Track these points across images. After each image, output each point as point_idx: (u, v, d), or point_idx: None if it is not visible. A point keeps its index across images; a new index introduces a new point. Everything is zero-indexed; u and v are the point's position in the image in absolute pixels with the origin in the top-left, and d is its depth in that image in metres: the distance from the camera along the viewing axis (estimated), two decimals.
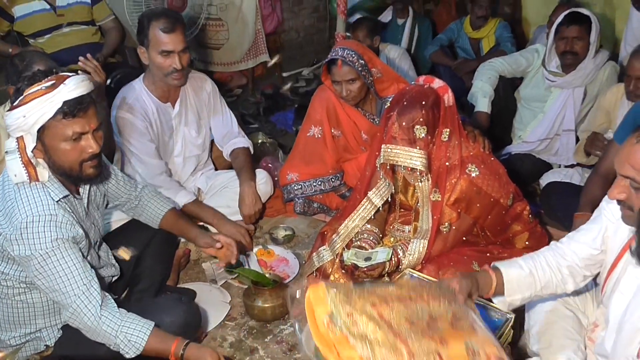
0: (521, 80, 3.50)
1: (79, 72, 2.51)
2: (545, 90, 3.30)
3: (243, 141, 3.05)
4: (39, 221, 1.73)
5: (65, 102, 1.69)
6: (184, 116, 2.87)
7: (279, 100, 4.84)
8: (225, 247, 2.33)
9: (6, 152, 1.77)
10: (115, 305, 1.83)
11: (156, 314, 1.92)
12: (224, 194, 2.93)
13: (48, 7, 3.62)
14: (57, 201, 1.81)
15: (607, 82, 3.14)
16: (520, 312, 2.02)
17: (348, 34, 3.83)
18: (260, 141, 3.78)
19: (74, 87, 1.71)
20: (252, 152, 3.06)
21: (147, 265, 2.30)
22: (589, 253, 1.72)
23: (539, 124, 3.33)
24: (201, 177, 3.07)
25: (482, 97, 3.35)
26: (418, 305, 1.59)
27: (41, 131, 1.72)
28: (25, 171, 1.75)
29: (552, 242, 1.85)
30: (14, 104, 1.71)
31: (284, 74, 5.41)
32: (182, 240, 2.74)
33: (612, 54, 3.36)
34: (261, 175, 3.00)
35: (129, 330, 1.78)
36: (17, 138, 1.74)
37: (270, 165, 3.29)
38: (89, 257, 1.93)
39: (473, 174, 2.20)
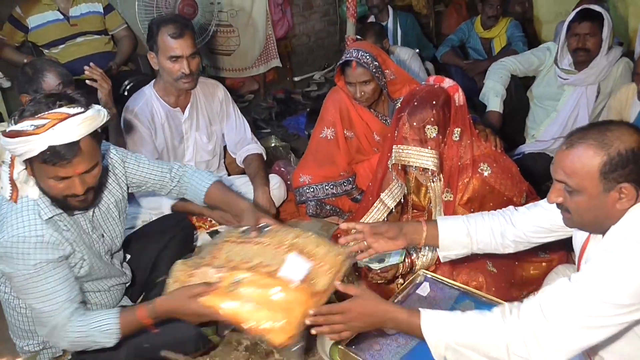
0: (534, 79, 3.49)
1: (87, 81, 2.57)
2: (558, 89, 3.28)
3: (256, 147, 3.07)
4: (24, 242, 1.70)
5: (50, 147, 1.60)
6: (194, 122, 2.89)
7: (290, 104, 4.87)
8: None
9: (3, 161, 1.77)
10: (82, 311, 1.81)
11: (172, 319, 1.92)
12: None
13: (62, 17, 3.67)
14: (47, 219, 1.77)
15: (621, 78, 3.11)
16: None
17: (359, 37, 3.83)
18: (273, 145, 3.79)
19: (65, 132, 1.61)
20: (265, 159, 3.08)
21: (164, 269, 2.29)
22: (542, 223, 1.81)
23: (552, 122, 3.31)
24: None
25: (494, 97, 3.33)
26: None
27: (28, 161, 1.68)
28: (10, 189, 1.74)
29: (510, 207, 1.93)
30: (5, 132, 1.64)
31: (296, 79, 5.43)
32: (198, 244, 2.75)
33: (626, 50, 3.33)
34: (274, 180, 3.02)
35: (100, 323, 1.76)
36: (12, 155, 1.71)
37: (282, 169, 3.30)
38: (87, 270, 1.91)
39: (485, 173, 2.19)
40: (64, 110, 1.64)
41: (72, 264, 1.85)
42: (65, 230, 1.83)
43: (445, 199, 2.23)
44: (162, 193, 2.28)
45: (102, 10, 3.80)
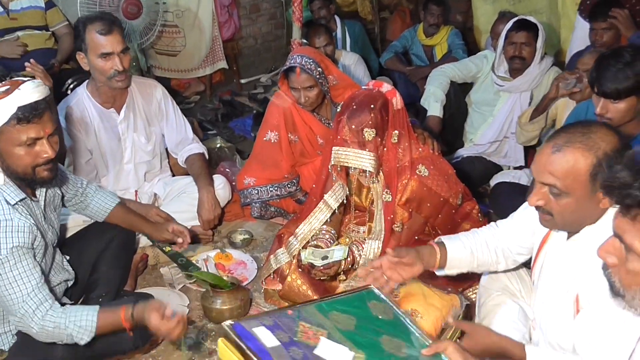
0: (472, 86, 3.63)
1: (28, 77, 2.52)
2: (494, 95, 3.44)
3: (198, 147, 3.05)
4: None
5: (19, 108, 1.68)
6: (131, 122, 2.85)
7: (237, 106, 4.86)
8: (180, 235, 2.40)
9: None
10: (59, 306, 1.83)
11: None
12: (182, 199, 2.93)
13: (1, 10, 3.58)
14: (13, 205, 1.80)
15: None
16: (470, 307, 2.12)
17: (305, 40, 3.88)
18: (218, 145, 3.79)
19: (29, 92, 1.70)
20: (207, 158, 3.07)
21: (104, 270, 2.28)
22: (520, 239, 1.84)
23: (488, 127, 3.45)
24: (158, 183, 3.06)
25: (434, 102, 3.46)
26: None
27: None
28: None
29: (492, 223, 1.96)
30: None
31: (242, 81, 5.44)
32: (140, 245, 2.74)
33: (556, 60, 3.51)
34: (219, 181, 3.02)
35: (77, 318, 1.78)
36: None
37: (227, 170, 3.31)
38: (43, 261, 1.92)
39: (423, 175, 2.28)
40: (16, 78, 1.74)
41: (36, 251, 1.86)
42: (27, 216, 1.84)
43: (385, 200, 2.30)
44: (67, 204, 2.28)
45: (43, 5, 3.73)
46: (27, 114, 1.70)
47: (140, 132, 2.89)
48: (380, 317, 1.70)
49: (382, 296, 1.76)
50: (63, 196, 2.16)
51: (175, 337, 1.79)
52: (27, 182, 1.86)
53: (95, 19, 2.58)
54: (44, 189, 1.98)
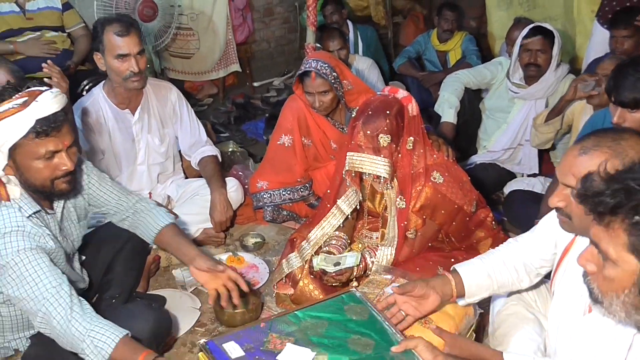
0: (486, 92, 3.62)
1: (44, 79, 2.54)
2: (508, 102, 3.41)
3: (211, 149, 3.07)
4: (4, 233, 1.72)
5: (38, 121, 1.65)
6: (145, 124, 2.87)
7: (249, 109, 4.88)
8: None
9: None
10: (91, 309, 1.76)
11: (126, 320, 1.89)
12: (195, 202, 2.95)
13: (18, 9, 3.61)
14: (27, 217, 1.79)
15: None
16: (483, 316, 2.10)
17: (318, 45, 3.89)
18: (230, 150, 3.80)
19: (47, 104, 1.67)
20: (220, 160, 3.09)
21: (119, 271, 2.29)
22: (542, 252, 1.80)
23: (502, 134, 3.43)
24: (171, 185, 3.08)
25: (448, 108, 3.44)
26: None
27: (13, 149, 1.68)
28: None
29: (511, 239, 1.92)
30: None
31: (255, 84, 5.46)
32: (154, 247, 2.74)
33: (571, 67, 3.49)
34: (232, 183, 3.03)
35: (97, 335, 1.68)
36: None
37: (240, 173, 3.32)
38: (61, 270, 1.88)
39: (437, 181, 2.27)
40: (34, 89, 1.69)
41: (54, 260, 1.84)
42: (42, 228, 1.83)
43: (399, 206, 2.29)
44: (114, 220, 2.25)
45: (60, 7, 3.75)
46: (45, 128, 1.66)
47: (154, 133, 2.91)
48: (354, 318, 1.78)
49: (362, 298, 1.84)
50: (85, 207, 2.12)
51: None
52: (45, 195, 1.84)
53: (113, 21, 2.62)
54: (62, 202, 1.97)
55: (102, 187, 2.13)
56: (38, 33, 3.65)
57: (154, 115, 2.90)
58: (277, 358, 1.64)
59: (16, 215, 1.76)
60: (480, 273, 1.81)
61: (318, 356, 1.64)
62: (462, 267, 1.84)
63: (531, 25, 3.26)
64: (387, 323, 1.75)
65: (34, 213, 1.81)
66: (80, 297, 1.78)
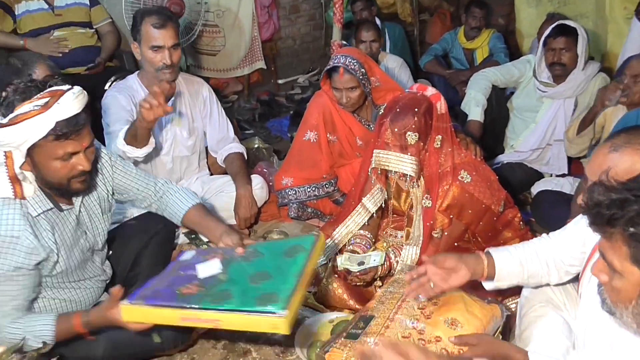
0: (514, 90, 3.56)
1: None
2: (536, 101, 3.35)
3: (237, 146, 3.08)
4: None
5: (58, 123, 1.64)
6: (176, 114, 2.89)
7: (274, 106, 4.89)
8: None
9: None
10: (21, 313, 1.81)
11: None
12: (220, 198, 2.96)
13: (46, 6, 3.65)
14: (35, 216, 1.79)
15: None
16: (511, 318, 2.07)
17: (345, 42, 3.87)
18: (256, 146, 3.81)
19: (68, 105, 1.66)
20: (246, 158, 3.09)
21: (145, 265, 2.29)
22: (572, 250, 1.77)
23: (530, 134, 3.37)
24: (196, 182, 3.09)
25: (475, 106, 3.40)
26: None
27: (31, 148, 1.69)
28: (11, 187, 1.74)
29: (544, 234, 1.89)
30: (3, 122, 1.65)
31: (280, 81, 5.46)
32: (178, 242, 2.76)
33: (602, 66, 3.42)
34: (257, 181, 3.03)
35: (34, 329, 1.76)
36: (5, 152, 1.71)
37: (265, 170, 3.31)
38: (71, 266, 1.93)
39: (465, 181, 2.23)
40: (56, 88, 1.68)
41: (45, 266, 1.85)
42: (46, 231, 1.83)
43: (425, 205, 2.27)
44: (142, 205, 2.28)
45: (87, 2, 3.78)
46: (66, 131, 1.67)
47: (183, 125, 2.93)
48: (284, 257, 1.79)
49: (311, 247, 1.81)
50: (107, 198, 2.12)
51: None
52: (61, 192, 1.86)
53: (152, 12, 2.67)
54: (81, 196, 1.97)
55: (127, 174, 2.15)
56: (55, 32, 3.65)
57: (185, 108, 2.93)
58: (196, 266, 1.79)
59: (16, 220, 1.74)
60: (513, 260, 1.79)
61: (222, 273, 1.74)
62: (496, 251, 1.82)
63: (555, 24, 3.20)
64: (294, 272, 1.73)
65: (45, 211, 1.82)
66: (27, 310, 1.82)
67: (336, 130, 2.95)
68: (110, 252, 2.25)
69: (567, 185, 3.06)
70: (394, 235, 2.50)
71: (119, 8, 3.66)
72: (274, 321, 1.51)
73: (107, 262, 2.21)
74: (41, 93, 1.67)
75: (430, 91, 2.24)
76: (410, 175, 2.16)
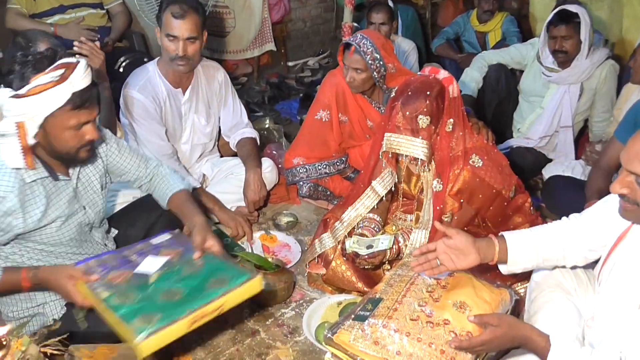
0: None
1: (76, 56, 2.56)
2: (542, 85, 3.33)
3: (250, 131, 3.08)
4: None
5: (74, 94, 1.71)
6: (194, 104, 2.89)
7: (284, 89, 4.87)
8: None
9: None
10: None
11: None
12: (229, 180, 2.97)
13: None
14: (29, 182, 1.81)
15: (606, 81, 3.16)
16: (520, 302, 2.06)
17: (356, 24, 3.83)
18: (267, 126, 3.81)
19: (82, 76, 1.72)
20: (258, 143, 3.09)
21: None
22: (590, 237, 1.75)
23: (537, 121, 3.35)
24: (206, 164, 3.10)
25: (468, 82, 3.46)
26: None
27: (46, 119, 1.72)
28: (23, 158, 1.76)
29: (563, 218, 1.87)
30: (21, 93, 1.68)
31: (290, 64, 5.43)
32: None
33: (613, 51, 3.36)
34: (267, 164, 3.04)
35: None
36: (17, 123, 1.72)
37: (274, 152, 3.31)
38: (65, 236, 1.96)
39: (476, 165, 2.22)
40: (66, 60, 1.74)
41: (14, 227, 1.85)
42: (39, 197, 1.85)
43: (435, 189, 2.26)
44: (134, 185, 2.32)
45: None
46: (82, 101, 1.74)
47: (200, 113, 2.93)
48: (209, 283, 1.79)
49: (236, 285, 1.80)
50: (104, 174, 2.14)
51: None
52: (65, 161, 1.90)
53: (176, 1, 2.61)
54: (77, 169, 2.00)
55: (121, 154, 2.17)
56: (78, 14, 3.65)
57: (202, 95, 2.92)
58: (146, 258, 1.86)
59: (4, 182, 1.78)
60: (527, 244, 1.77)
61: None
62: (509, 235, 1.80)
63: (555, 10, 3.14)
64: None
65: (41, 179, 1.85)
66: None
67: (348, 110, 2.94)
68: (116, 231, 2.26)
69: (578, 168, 3.05)
70: (403, 218, 2.49)
71: None
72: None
73: (111, 238, 2.23)
74: (54, 65, 1.72)
75: (443, 74, 2.21)
76: (421, 159, 2.15)
